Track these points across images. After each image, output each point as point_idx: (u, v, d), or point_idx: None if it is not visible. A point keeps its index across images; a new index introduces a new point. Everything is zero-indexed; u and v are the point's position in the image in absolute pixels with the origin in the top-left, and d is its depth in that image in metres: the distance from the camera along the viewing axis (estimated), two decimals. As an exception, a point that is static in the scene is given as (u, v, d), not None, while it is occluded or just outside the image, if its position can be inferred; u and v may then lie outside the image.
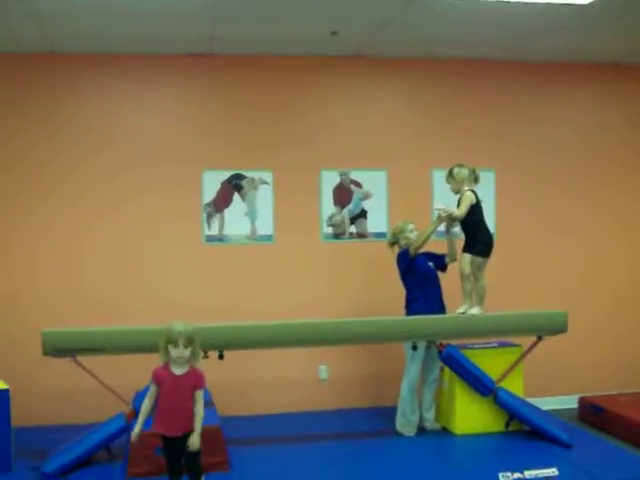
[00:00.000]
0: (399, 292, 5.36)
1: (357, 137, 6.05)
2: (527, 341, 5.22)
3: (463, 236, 5.12)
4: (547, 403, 6.01)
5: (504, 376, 5.19)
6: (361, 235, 6.10)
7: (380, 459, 4.70)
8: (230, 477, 4.32)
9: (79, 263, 5.69)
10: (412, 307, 5.26)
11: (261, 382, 5.89)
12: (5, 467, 4.44)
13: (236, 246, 5.91)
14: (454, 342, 5.26)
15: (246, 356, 5.28)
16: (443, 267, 5.41)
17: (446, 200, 5.39)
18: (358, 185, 6.09)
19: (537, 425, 5.02)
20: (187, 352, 3.71)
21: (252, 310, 5.70)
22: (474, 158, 5.64)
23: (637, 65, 6.44)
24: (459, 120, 6.20)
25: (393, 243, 5.44)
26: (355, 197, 6.09)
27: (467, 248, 5.05)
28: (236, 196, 5.91)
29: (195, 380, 3.76)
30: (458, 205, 5.06)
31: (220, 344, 4.65)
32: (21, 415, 4.91)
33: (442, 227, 5.25)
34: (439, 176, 5.50)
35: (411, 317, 5.15)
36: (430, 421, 5.39)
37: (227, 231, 5.91)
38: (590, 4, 4.84)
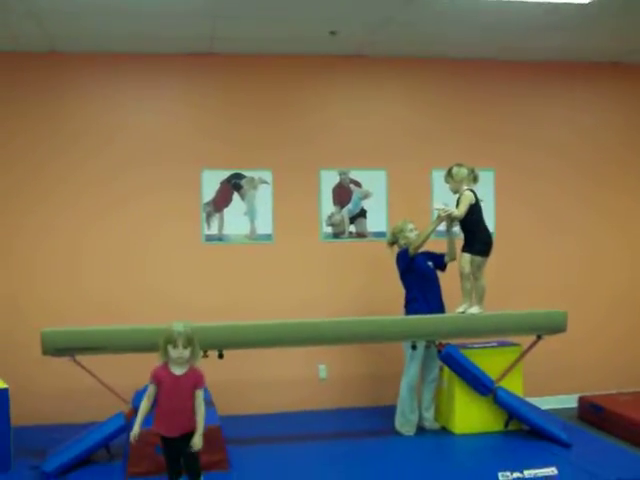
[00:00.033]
0: (398, 291, 5.36)
1: (357, 136, 6.06)
2: (526, 340, 5.23)
3: (463, 235, 5.12)
4: (546, 402, 6.01)
5: (503, 375, 5.19)
6: (360, 235, 6.10)
7: (379, 458, 4.70)
8: (229, 476, 4.32)
9: (79, 263, 5.69)
10: (411, 307, 5.26)
11: (260, 381, 5.89)
12: (5, 466, 4.44)
13: (235, 245, 5.92)
14: (453, 341, 5.26)
15: (245, 355, 5.29)
16: (442, 266, 5.41)
17: (445, 200, 5.39)
18: (358, 185, 6.09)
19: (536, 424, 5.02)
20: (187, 352, 3.70)
21: (251, 309, 5.70)
22: (474, 158, 5.65)
23: (637, 64, 6.44)
24: (459, 119, 6.20)
25: (392, 243, 5.44)
26: (354, 196, 6.09)
27: (466, 247, 5.05)
28: (235, 195, 5.91)
29: (195, 380, 3.75)
30: (457, 205, 5.06)
31: (219, 343, 4.65)
32: (21, 414, 4.91)
33: (441, 227, 5.25)
34: (439, 176, 5.50)
35: (410, 316, 5.15)
36: (429, 420, 5.39)
37: (226, 230, 5.91)
38: (590, 3, 4.84)
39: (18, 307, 5.57)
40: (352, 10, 4.95)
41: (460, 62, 6.17)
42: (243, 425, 5.39)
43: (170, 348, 3.69)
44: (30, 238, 5.62)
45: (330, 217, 6.06)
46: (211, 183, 5.86)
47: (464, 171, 5.06)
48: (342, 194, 6.07)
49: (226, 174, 5.88)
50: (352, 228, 6.09)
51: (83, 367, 4.59)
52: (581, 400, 5.98)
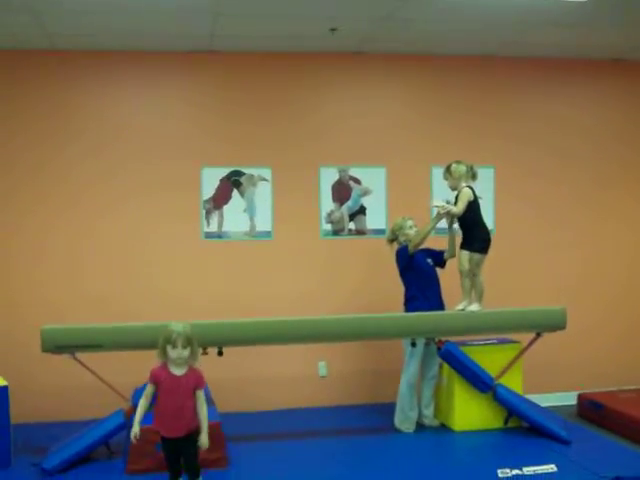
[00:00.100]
0: (398, 289, 5.36)
1: (356, 134, 6.05)
2: (526, 338, 5.23)
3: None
4: (546, 400, 6.02)
5: (503, 373, 5.19)
6: (360, 232, 6.10)
7: (379, 455, 4.70)
8: (229, 473, 4.33)
9: (79, 260, 5.69)
10: (411, 305, 5.26)
11: (260, 378, 5.90)
12: (5, 463, 4.45)
13: (235, 242, 5.92)
14: (453, 339, 5.26)
15: (245, 353, 5.31)
16: (442, 263, 5.41)
17: (445, 197, 5.39)
18: (357, 182, 6.09)
19: (536, 422, 5.02)
20: (186, 353, 3.67)
21: (251, 306, 5.71)
22: (473, 155, 5.64)
23: (637, 61, 6.42)
24: (458, 116, 6.19)
25: (392, 240, 5.44)
26: (354, 194, 6.09)
27: (465, 245, 5.05)
28: (235, 193, 5.91)
29: (195, 380, 3.73)
30: (455, 202, 5.06)
31: (219, 340, 4.65)
32: (21, 412, 4.92)
33: (441, 224, 5.24)
34: (438, 173, 5.50)
35: (410, 314, 5.14)
36: (429, 418, 5.39)
37: (226, 227, 5.91)
38: (590, 0, 4.83)
39: (18, 305, 5.57)
40: (352, 7, 4.94)
41: (459, 59, 6.16)
42: (243, 422, 5.39)
43: (169, 348, 3.66)
44: (30, 237, 5.61)
45: (330, 214, 6.06)
46: (211, 180, 5.86)
47: (462, 168, 5.06)
48: (342, 191, 6.07)
49: (226, 171, 5.88)
50: (351, 225, 6.09)
51: (83, 364, 4.59)
52: (581, 397, 5.98)
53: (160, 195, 5.77)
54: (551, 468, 4.34)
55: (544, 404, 5.72)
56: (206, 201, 5.87)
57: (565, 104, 6.39)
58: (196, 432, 3.74)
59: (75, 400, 5.52)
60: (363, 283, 6.02)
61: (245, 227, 5.93)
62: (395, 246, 5.41)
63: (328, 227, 6.06)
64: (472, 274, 5.02)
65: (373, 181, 6.09)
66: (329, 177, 6.04)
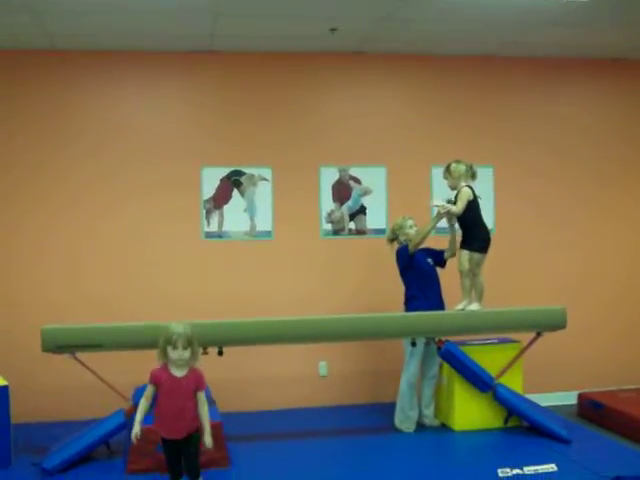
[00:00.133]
0: (398, 289, 5.36)
1: (356, 133, 6.05)
2: (526, 337, 5.22)
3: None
4: (546, 399, 6.02)
5: (503, 372, 5.19)
6: (360, 231, 6.10)
7: (379, 455, 4.70)
8: (229, 473, 4.33)
9: (80, 260, 5.69)
10: (411, 304, 5.26)
11: (261, 378, 5.90)
12: (5, 463, 4.45)
13: (235, 242, 5.92)
14: (453, 338, 5.26)
15: (246, 352, 5.30)
16: (442, 263, 5.41)
17: (445, 196, 5.39)
18: (357, 181, 6.09)
19: (536, 421, 5.02)
20: (186, 353, 3.65)
21: (251, 306, 5.70)
22: (473, 154, 5.65)
23: (637, 61, 6.42)
24: (458, 116, 6.20)
25: (392, 239, 5.44)
26: (354, 193, 6.09)
27: (465, 244, 5.05)
28: (235, 192, 5.91)
29: (196, 382, 3.72)
30: (455, 201, 5.06)
31: (219, 340, 4.65)
32: (21, 411, 4.92)
33: (441, 223, 5.24)
34: (438, 172, 5.50)
35: (410, 313, 5.14)
36: (429, 417, 5.39)
37: (226, 227, 5.91)
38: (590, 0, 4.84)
39: (18, 305, 5.57)
40: (352, 7, 4.94)
41: (460, 59, 6.16)
42: (243, 422, 5.39)
43: (170, 349, 3.64)
44: (30, 237, 5.62)
45: (330, 214, 6.06)
46: (211, 180, 5.86)
47: (462, 167, 5.06)
48: (342, 191, 6.07)
49: (226, 171, 5.88)
50: (352, 225, 6.09)
51: (83, 364, 4.59)
52: (581, 397, 5.98)
53: (160, 195, 5.78)
54: (551, 467, 4.33)
55: (544, 404, 5.71)
56: (206, 201, 5.87)
57: (565, 103, 6.40)
58: (197, 433, 3.74)
59: (75, 400, 5.53)
60: (363, 283, 6.02)
61: (245, 227, 5.93)
62: (395, 246, 5.41)
63: (328, 227, 6.06)
64: (472, 274, 5.02)
65: (373, 181, 6.10)
66: (329, 177, 6.05)
